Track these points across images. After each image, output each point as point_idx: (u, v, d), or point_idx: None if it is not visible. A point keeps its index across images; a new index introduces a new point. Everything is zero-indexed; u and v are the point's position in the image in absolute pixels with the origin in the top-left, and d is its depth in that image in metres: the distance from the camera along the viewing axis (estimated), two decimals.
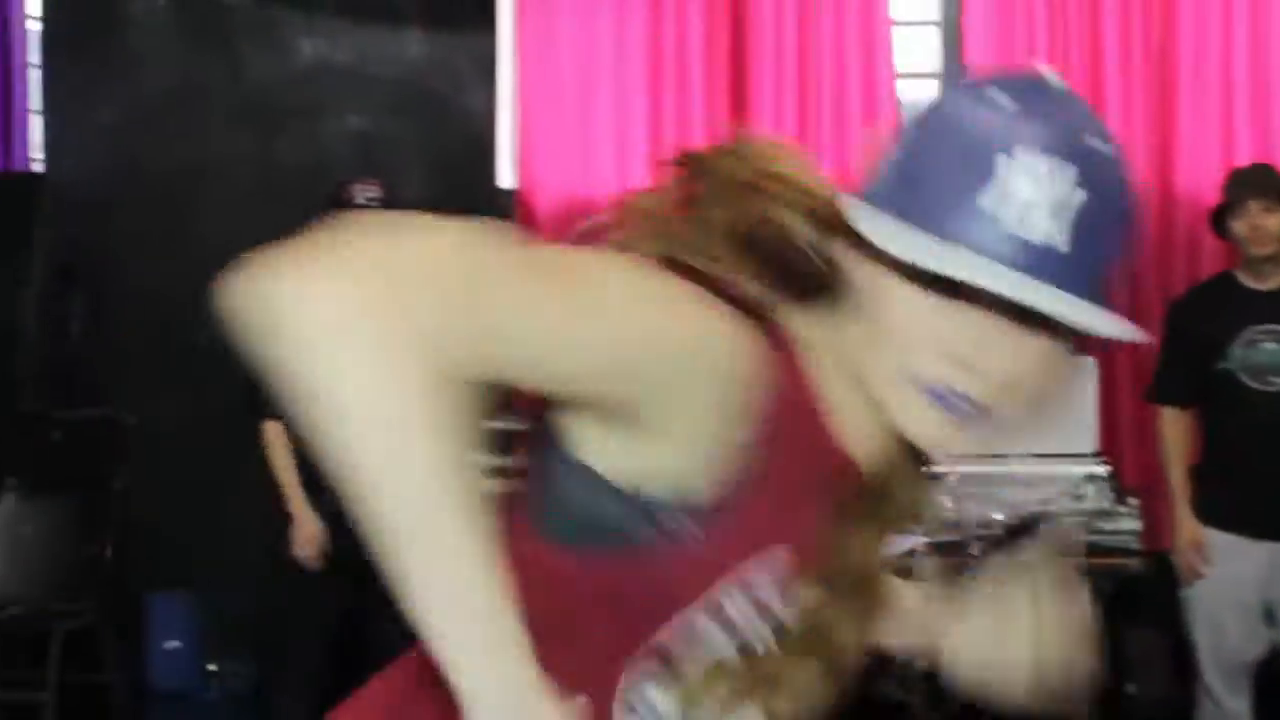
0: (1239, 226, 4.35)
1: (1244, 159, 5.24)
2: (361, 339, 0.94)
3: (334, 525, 4.44)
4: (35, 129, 6.12)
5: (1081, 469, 4.43)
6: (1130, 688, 5.52)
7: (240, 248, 0.98)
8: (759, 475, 1.20)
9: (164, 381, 5.88)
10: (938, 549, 4.35)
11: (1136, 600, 5.23)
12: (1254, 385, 4.34)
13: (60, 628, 4.21)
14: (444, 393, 0.96)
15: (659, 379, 1.12)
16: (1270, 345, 4.32)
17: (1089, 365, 4.67)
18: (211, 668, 6.29)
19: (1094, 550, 4.27)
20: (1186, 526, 4.39)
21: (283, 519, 4.53)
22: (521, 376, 1.06)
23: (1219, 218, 4.48)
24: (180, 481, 5.99)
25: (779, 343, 1.22)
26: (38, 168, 5.93)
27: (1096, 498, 4.39)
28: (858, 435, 1.29)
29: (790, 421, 1.22)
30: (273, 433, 4.42)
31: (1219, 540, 4.38)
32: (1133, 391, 5.65)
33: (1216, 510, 4.39)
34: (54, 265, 5.24)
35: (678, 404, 1.14)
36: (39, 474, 4.64)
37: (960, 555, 4.32)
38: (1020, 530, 4.36)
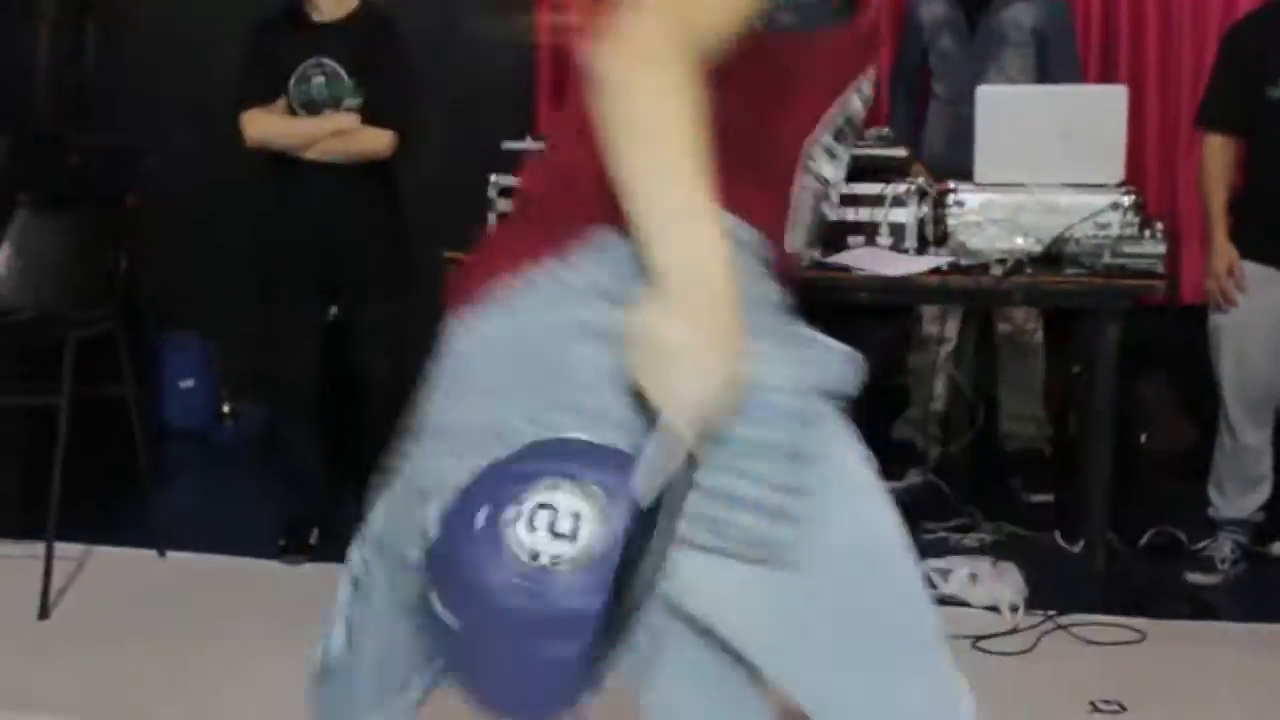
0: None
1: None
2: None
3: (317, 247, 4.44)
4: None
5: (1106, 198, 4.35)
6: (1144, 437, 5.56)
7: None
8: None
9: (175, 111, 5.83)
10: (962, 271, 4.31)
11: (1148, 352, 5.24)
12: None
13: (75, 334, 4.16)
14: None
15: None
16: None
17: (1119, 93, 4.57)
18: (225, 408, 6.34)
19: (1118, 272, 4.20)
20: (1224, 253, 4.32)
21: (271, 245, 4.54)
22: None
23: None
24: (189, 217, 5.97)
25: None
26: None
27: (1121, 226, 4.31)
28: None
29: None
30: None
31: (1253, 271, 4.32)
32: (1160, 121, 5.61)
33: (1253, 241, 4.32)
34: None
35: None
36: (52, 192, 4.57)
37: (985, 278, 4.26)
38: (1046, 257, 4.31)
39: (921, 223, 4.46)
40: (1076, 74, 5.17)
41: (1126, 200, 4.37)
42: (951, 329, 5.32)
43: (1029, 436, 5.39)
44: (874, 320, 5.20)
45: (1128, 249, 4.22)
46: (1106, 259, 4.22)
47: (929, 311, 5.29)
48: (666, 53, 1.32)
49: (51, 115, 5.05)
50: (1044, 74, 5.06)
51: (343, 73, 4.42)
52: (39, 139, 4.87)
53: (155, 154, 5.29)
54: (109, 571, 4.43)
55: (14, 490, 4.69)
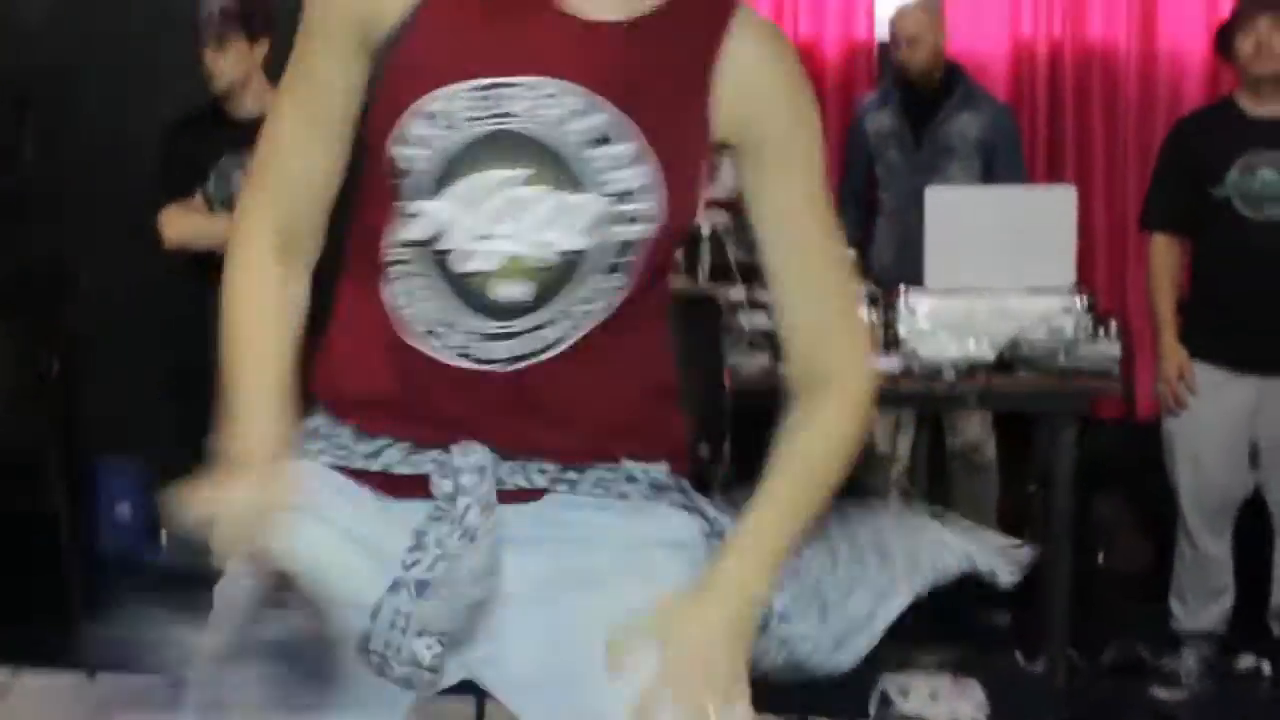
0: (1244, 43, 4.22)
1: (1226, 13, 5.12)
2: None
3: None
4: None
5: (1058, 301, 4.30)
6: (1101, 555, 5.48)
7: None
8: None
9: (116, 215, 5.71)
10: (914, 377, 4.22)
11: (1104, 469, 5.17)
12: (1249, 214, 4.23)
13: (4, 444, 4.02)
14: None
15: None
16: (1268, 173, 4.20)
17: (1068, 194, 4.53)
18: (163, 534, 6.14)
19: (1072, 374, 4.14)
20: (1173, 355, 4.28)
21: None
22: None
23: (1223, 36, 4.36)
24: (129, 331, 5.82)
25: None
26: None
27: (1075, 329, 4.25)
28: None
29: None
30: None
31: (1205, 373, 4.27)
32: (1108, 223, 5.59)
33: (1203, 342, 4.28)
34: (8, 92, 5.06)
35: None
36: None
37: (937, 383, 4.18)
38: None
39: (871, 329, 4.39)
40: (1023, 182, 5.16)
41: (1078, 303, 4.31)
42: (904, 446, 5.24)
43: None
44: None
45: (1082, 351, 4.16)
46: (1061, 361, 4.15)
47: (880, 430, 5.20)
48: (253, 229, 1.63)
49: None
50: (990, 184, 5.04)
51: None
52: None
53: (95, 259, 5.17)
54: (35, 696, 4.26)
55: None
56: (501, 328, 1.55)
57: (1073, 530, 4.22)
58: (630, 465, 1.65)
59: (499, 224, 1.51)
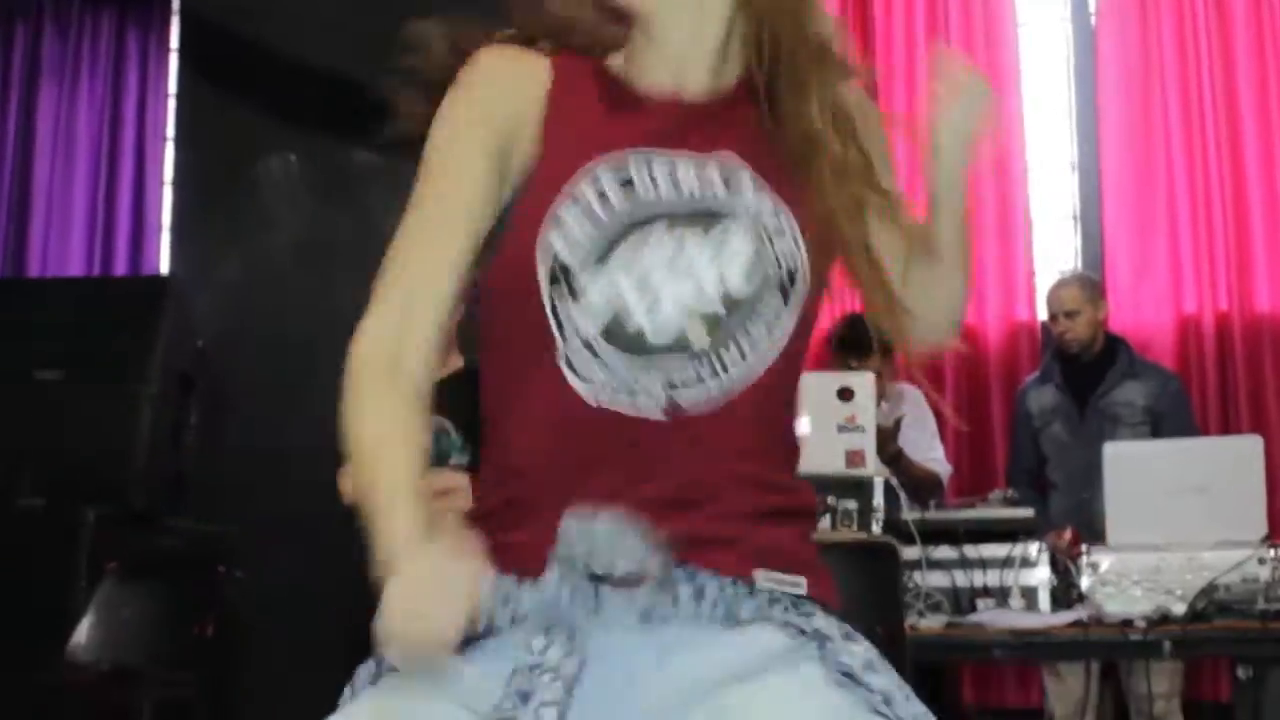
0: None
1: None
2: None
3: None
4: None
5: (1251, 552, 4.09)
6: None
7: None
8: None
9: (274, 503, 5.71)
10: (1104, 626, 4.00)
11: None
12: None
13: (152, 695, 3.93)
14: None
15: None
16: None
17: (1254, 444, 4.37)
18: None
19: (1271, 616, 3.90)
20: None
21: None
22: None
23: None
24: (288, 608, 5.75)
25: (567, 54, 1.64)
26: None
27: (1274, 573, 4.03)
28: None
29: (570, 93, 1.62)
30: None
31: None
32: None
33: None
34: (173, 373, 5.13)
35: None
36: (142, 562, 4.43)
37: (1130, 629, 3.96)
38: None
39: (1054, 585, 4.21)
40: None
41: (1273, 554, 4.10)
42: None
43: None
44: None
45: None
46: (1261, 604, 3.92)
47: (1061, 711, 4.93)
48: (372, 362, 1.58)
49: (147, 495, 4.95)
50: None
51: (450, 429, 4.32)
52: (133, 515, 4.75)
53: (250, 542, 5.14)
54: None
55: None
56: None
57: None
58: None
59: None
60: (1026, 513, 4.41)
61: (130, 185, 6.21)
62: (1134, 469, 4.34)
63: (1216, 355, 5.59)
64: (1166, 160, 5.75)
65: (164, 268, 6.20)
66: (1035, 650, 4.20)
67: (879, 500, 4.22)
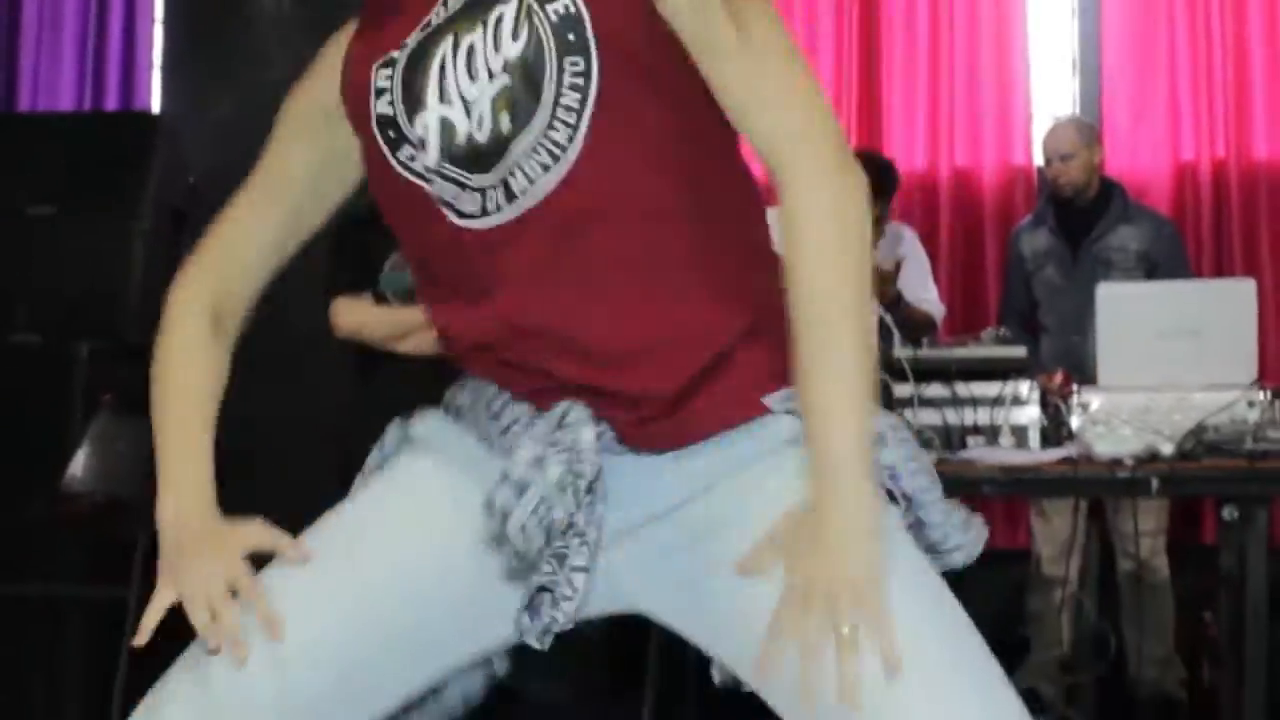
0: None
1: None
2: None
3: None
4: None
5: (1240, 394, 4.11)
6: None
7: None
8: None
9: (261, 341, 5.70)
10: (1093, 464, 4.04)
11: None
12: None
13: (148, 529, 3.95)
14: None
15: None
16: None
17: (1247, 287, 4.37)
18: None
19: (1260, 457, 3.93)
20: None
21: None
22: None
23: None
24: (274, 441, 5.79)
25: None
26: None
27: (1262, 415, 4.05)
28: None
29: None
30: None
31: None
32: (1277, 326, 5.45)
33: None
34: (165, 208, 5.11)
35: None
36: (136, 396, 4.43)
37: (1118, 468, 3.99)
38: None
39: (1044, 425, 4.23)
40: None
41: (1263, 396, 4.12)
42: (1073, 569, 5.00)
43: (1159, 680, 4.98)
44: (989, 568, 4.88)
45: (1271, 434, 3.95)
46: (1249, 445, 3.95)
47: (1048, 552, 4.99)
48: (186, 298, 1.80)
49: (140, 328, 4.95)
50: None
51: None
52: (127, 349, 4.76)
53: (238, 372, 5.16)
54: None
55: (75, 689, 4.40)
56: None
57: (1269, 645, 3.96)
58: None
59: None
60: (1019, 351, 4.42)
61: (120, 20, 6.12)
62: (1126, 310, 4.35)
63: (1212, 202, 5.58)
64: (1167, 5, 5.69)
65: (155, 104, 6.12)
66: (1024, 487, 4.23)
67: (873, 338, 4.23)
